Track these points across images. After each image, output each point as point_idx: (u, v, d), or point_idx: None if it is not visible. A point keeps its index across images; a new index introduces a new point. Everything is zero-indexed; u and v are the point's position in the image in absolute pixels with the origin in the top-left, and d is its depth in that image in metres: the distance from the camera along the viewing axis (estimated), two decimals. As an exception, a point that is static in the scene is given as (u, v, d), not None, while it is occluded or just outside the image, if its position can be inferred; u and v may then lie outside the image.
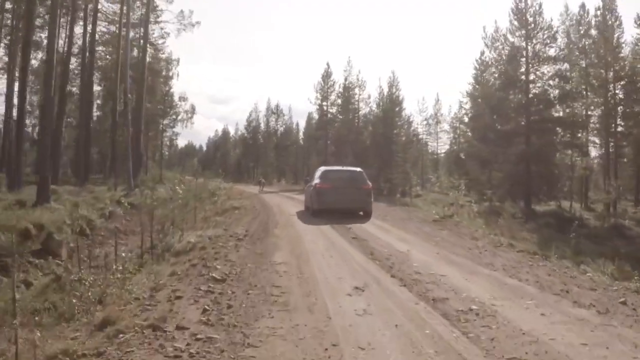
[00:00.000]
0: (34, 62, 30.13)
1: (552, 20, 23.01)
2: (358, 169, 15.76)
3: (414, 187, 26.46)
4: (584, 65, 27.80)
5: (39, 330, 4.97)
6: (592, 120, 27.63)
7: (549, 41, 22.56)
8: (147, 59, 36.24)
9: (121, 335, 4.28)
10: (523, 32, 22.64)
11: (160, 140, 48.57)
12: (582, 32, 29.09)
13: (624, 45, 26.23)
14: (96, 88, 43.40)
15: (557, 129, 23.95)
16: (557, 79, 22.77)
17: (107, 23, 34.39)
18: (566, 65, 24.29)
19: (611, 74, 25.90)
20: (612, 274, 8.36)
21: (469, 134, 33.13)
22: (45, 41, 29.39)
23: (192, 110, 48.80)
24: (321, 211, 14.04)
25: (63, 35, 28.98)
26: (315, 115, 47.81)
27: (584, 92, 26.70)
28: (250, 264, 7.18)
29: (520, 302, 5.48)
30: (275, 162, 60.89)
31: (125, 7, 29.32)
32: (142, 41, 33.78)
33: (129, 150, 23.62)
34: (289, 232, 10.80)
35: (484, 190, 22.71)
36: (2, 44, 29.15)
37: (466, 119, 37.91)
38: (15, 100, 23.52)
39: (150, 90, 39.24)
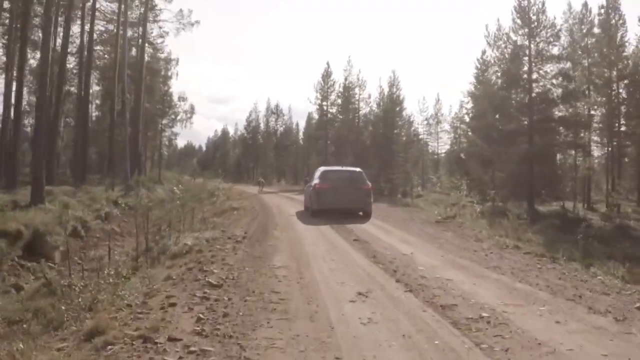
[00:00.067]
0: (33, 62, 29.89)
1: (555, 18, 22.80)
2: (357, 169, 15.67)
3: (415, 187, 26.19)
4: (586, 64, 27.53)
5: (25, 339, 4.70)
6: (595, 120, 27.32)
7: (552, 40, 22.29)
8: (146, 59, 35.99)
9: (109, 346, 3.99)
10: (526, 30, 22.35)
11: (159, 140, 48.24)
12: (584, 31, 28.85)
13: (627, 44, 26.02)
14: (95, 88, 43.22)
15: (560, 128, 23.67)
16: (560, 78, 22.48)
17: (105, 22, 34.17)
18: (569, 64, 24.03)
19: (615, 72, 25.61)
20: (623, 276, 8.12)
21: (470, 133, 32.86)
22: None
23: (192, 110, 48.55)
24: (321, 211, 13.92)
25: (62, 34, 28.64)
26: (315, 115, 47.58)
27: (587, 92, 26.43)
28: (249, 267, 6.89)
29: (532, 309, 5.21)
30: (275, 163, 60.62)
31: (123, 6, 29.09)
32: (140, 40, 33.53)
33: (127, 150, 23.34)
34: (289, 234, 10.52)
35: (486, 190, 22.39)
36: (0, 44, 28.86)
37: (467, 119, 37.66)
38: (13, 100, 23.23)
39: (149, 89, 38.98)
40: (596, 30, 27.77)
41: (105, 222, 14.31)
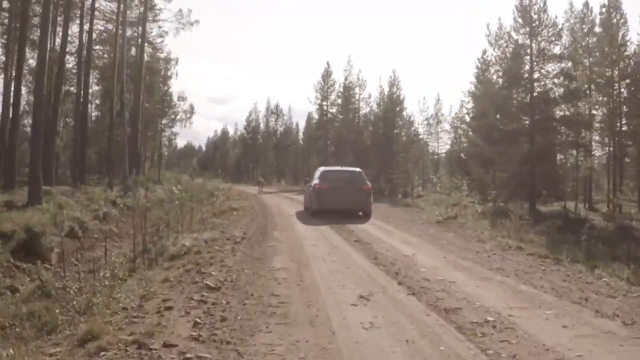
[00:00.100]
0: (32, 62, 29.70)
1: (556, 17, 22.66)
2: (357, 169, 15.65)
3: (415, 187, 26.05)
4: (587, 63, 27.40)
5: (17, 344, 4.56)
6: (596, 120, 27.16)
7: (553, 39, 22.14)
8: (146, 58, 35.83)
9: (103, 353, 3.86)
10: (527, 29, 22.18)
11: (158, 140, 48.13)
12: (585, 30, 28.73)
13: (629, 43, 25.87)
14: (95, 88, 43.10)
15: (562, 128, 23.53)
16: (561, 78, 22.34)
17: (104, 22, 34.00)
18: (570, 64, 23.90)
19: (616, 72, 25.46)
20: (629, 278, 7.98)
21: (471, 133, 32.72)
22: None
23: (191, 110, 48.50)
24: (320, 211, 13.90)
25: (61, 33, 28.48)
26: (315, 115, 47.43)
27: (588, 91, 26.29)
28: (247, 269, 6.76)
29: (538, 312, 5.08)
30: (275, 163, 60.49)
31: (122, 6, 28.94)
32: (139, 40, 33.38)
33: (126, 150, 23.20)
34: (289, 235, 10.38)
35: (487, 190, 22.26)
36: (0, 43, 28.71)
37: (468, 119, 37.52)
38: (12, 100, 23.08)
39: (149, 89, 38.86)
40: (597, 29, 27.62)
41: (103, 223, 14.16)
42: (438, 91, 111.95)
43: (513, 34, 23.07)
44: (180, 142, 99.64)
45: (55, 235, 9.81)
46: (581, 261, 9.22)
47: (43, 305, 6.50)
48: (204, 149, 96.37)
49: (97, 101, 43.62)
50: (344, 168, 16.87)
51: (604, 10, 26.72)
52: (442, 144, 48.81)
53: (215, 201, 17.63)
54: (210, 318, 4.56)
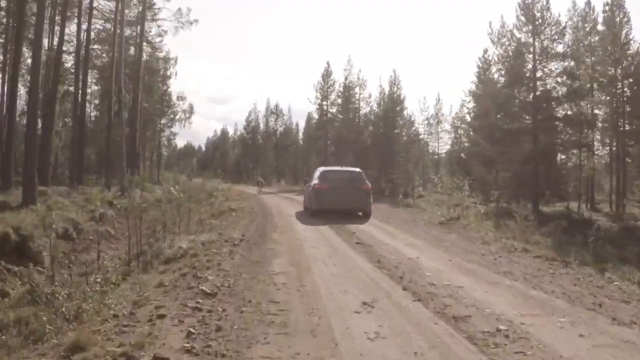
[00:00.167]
0: (30, 61, 29.43)
1: (560, 15, 22.44)
2: (357, 169, 15.60)
3: (416, 187, 25.78)
4: (589, 62, 27.14)
5: (0, 354, 4.29)
6: (599, 119, 26.90)
7: (557, 37, 21.91)
8: (144, 58, 35.60)
9: (88, 366, 3.59)
10: (530, 27, 21.95)
11: (158, 140, 47.87)
12: (587, 29, 28.51)
13: (632, 42, 25.59)
14: (94, 88, 42.84)
15: (565, 127, 23.26)
16: (565, 77, 22.08)
17: (103, 21, 33.73)
18: (573, 63, 23.67)
19: (619, 71, 25.18)
20: (640, 282, 7.73)
21: (472, 133, 32.47)
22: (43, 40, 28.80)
23: (191, 109, 48.26)
24: (320, 212, 13.79)
25: (58, 32, 28.22)
26: (315, 115, 47.21)
27: (591, 90, 26.03)
28: (245, 274, 6.48)
29: (552, 320, 4.81)
30: (275, 163, 60.24)
31: (120, 5, 28.68)
32: (138, 39, 33.13)
33: (123, 150, 22.92)
34: (288, 237, 10.11)
35: (489, 190, 21.96)
36: (-1, 42, 28.45)
37: (468, 118, 37.27)
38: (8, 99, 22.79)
39: (148, 89, 38.64)
40: (600, 27, 27.39)
41: (99, 224, 13.88)
42: (438, 91, 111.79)
43: (516, 32, 22.86)
44: (180, 142, 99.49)
45: (48, 238, 9.54)
46: (590, 264, 8.98)
47: (32, 311, 6.22)
48: (203, 149, 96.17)
49: (97, 101, 43.38)
50: (344, 168, 16.80)
51: (607, 8, 26.48)
52: (442, 144, 48.66)
53: (214, 202, 17.38)
54: (204, 327, 4.28)
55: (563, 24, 22.68)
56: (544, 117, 21.85)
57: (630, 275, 8.12)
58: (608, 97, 26.32)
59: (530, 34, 22.23)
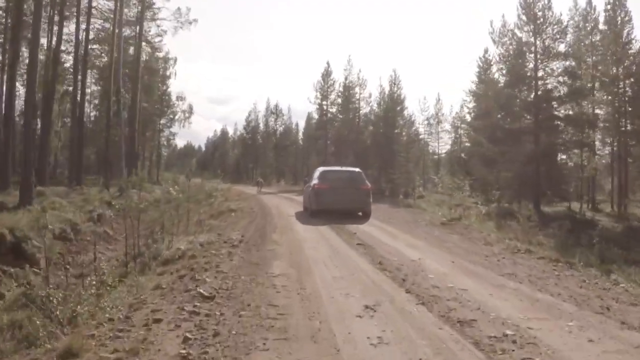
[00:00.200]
0: (28, 61, 29.25)
1: (561, 14, 22.28)
2: (357, 169, 15.56)
3: (417, 187, 25.64)
4: (590, 62, 27.02)
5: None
6: (600, 119, 26.75)
7: (558, 36, 21.76)
8: (144, 58, 35.47)
9: (80, 373, 3.45)
10: (531, 26, 21.81)
11: (157, 140, 47.72)
12: (589, 28, 28.39)
13: (634, 41, 25.46)
14: (94, 88, 42.70)
15: (567, 127, 23.11)
16: (566, 76, 21.93)
17: (102, 20, 33.61)
18: (573, 62, 23.53)
19: (621, 70, 25.04)
20: (647, 284, 7.59)
21: (473, 133, 32.34)
22: (41, 40, 28.66)
23: (190, 109, 48.12)
24: (320, 212, 13.73)
25: (56, 31, 28.08)
26: (315, 115, 47.06)
27: (592, 90, 25.90)
28: (244, 276, 6.34)
29: (560, 324, 4.67)
30: (275, 163, 60.09)
31: (118, 4, 28.55)
32: (137, 39, 33.00)
33: (122, 150, 22.77)
34: (288, 238, 9.96)
35: (490, 191, 21.81)
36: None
37: (469, 118, 37.16)
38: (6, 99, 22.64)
39: (148, 89, 38.51)
40: (602, 27, 27.25)
41: (97, 225, 13.74)
42: (438, 91, 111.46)
43: (517, 31, 22.71)
44: (180, 143, 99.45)
45: (44, 238, 9.38)
46: (595, 265, 8.84)
47: (26, 314, 6.09)
48: (203, 149, 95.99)
49: (96, 101, 43.27)
50: (344, 168, 16.77)
51: (608, 7, 26.32)
52: (442, 144, 48.54)
53: (213, 202, 17.24)
54: (201, 332, 4.14)
55: (565, 23, 22.52)
56: (545, 116, 21.70)
57: (636, 277, 7.94)
58: (609, 97, 26.18)
59: (531, 33, 22.08)
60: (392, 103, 35.60)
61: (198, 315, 4.62)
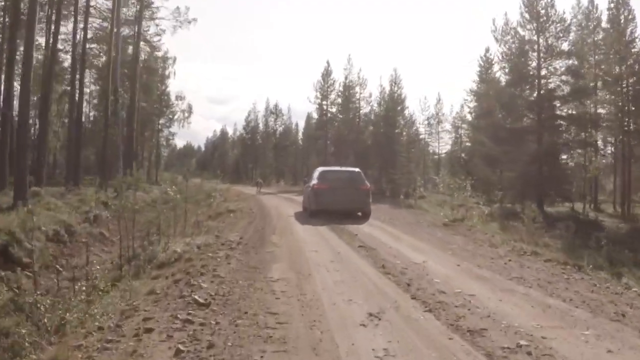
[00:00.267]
0: (22, 60, 28.96)
1: (564, 12, 22.02)
2: (356, 170, 15.47)
3: (418, 188, 25.37)
4: (593, 61, 26.78)
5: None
6: (603, 118, 26.49)
7: (561, 35, 21.50)
8: (143, 57, 35.22)
9: (63, 390, 3.19)
10: (534, 24, 21.55)
11: (156, 140, 47.44)
12: (591, 27, 28.18)
13: (637, 40, 25.20)
14: (93, 88, 42.38)
15: (570, 126, 22.84)
16: (569, 75, 21.67)
17: (101, 19, 33.33)
18: (576, 61, 23.28)
19: (624, 69, 24.78)
20: (660, 288, 7.34)
21: (474, 133, 32.08)
22: (39, 39, 28.40)
23: (189, 109, 47.79)
24: (319, 212, 13.62)
25: (53, 30, 27.77)
26: (315, 115, 46.76)
27: (595, 89, 25.66)
28: (242, 280, 6.07)
29: (575, 333, 4.42)
30: (274, 163, 59.82)
31: (116, 3, 28.29)
32: (135, 38, 32.76)
33: (120, 150, 22.50)
34: (288, 240, 9.69)
35: (492, 191, 21.55)
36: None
37: (470, 118, 36.90)
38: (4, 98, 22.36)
39: (147, 89, 38.25)
40: (605, 25, 27.01)
41: (93, 226, 13.48)
42: (439, 91, 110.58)
43: (520, 29, 22.43)
44: (180, 143, 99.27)
45: (38, 241, 9.14)
46: (604, 268, 8.59)
47: (14, 320, 5.82)
48: (203, 149, 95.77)
49: (95, 101, 42.94)
50: (343, 168, 16.71)
51: (612, 5, 26.08)
52: (442, 144, 48.29)
53: (212, 202, 16.99)
54: (195, 344, 3.87)
55: (568, 21, 22.26)
56: (548, 116, 21.43)
57: (647, 281, 7.71)
58: (612, 96, 25.93)
59: (534, 31, 21.81)
60: (393, 103, 35.33)
61: (192, 324, 4.36)
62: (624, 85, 24.88)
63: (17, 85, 20.65)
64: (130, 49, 35.50)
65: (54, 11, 28.41)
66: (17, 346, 4.93)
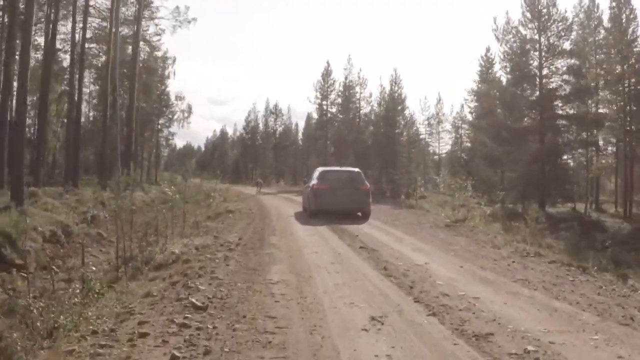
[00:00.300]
0: (18, 59, 28.81)
1: (566, 12, 21.89)
2: (356, 170, 15.44)
3: (418, 188, 25.23)
4: (594, 60, 26.65)
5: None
6: (605, 118, 26.34)
7: (563, 34, 21.37)
8: (142, 57, 35.07)
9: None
10: (536, 24, 21.42)
11: (155, 140, 47.29)
12: (593, 26, 28.05)
13: (639, 39, 25.00)
14: (92, 88, 42.22)
15: (572, 126, 22.70)
16: (571, 75, 21.53)
17: (100, 19, 33.19)
18: (576, 61, 23.15)
19: (626, 68, 24.64)
20: (666, 290, 7.20)
21: (474, 133, 31.93)
22: (38, 39, 28.29)
23: (189, 109, 47.63)
24: (319, 212, 13.58)
25: (51, 29, 27.63)
26: (315, 115, 46.68)
27: (596, 88, 25.52)
28: (241, 283, 5.93)
29: (584, 338, 4.28)
30: (274, 163, 59.73)
31: (115, 3, 28.16)
32: (134, 38, 32.62)
33: (118, 150, 22.35)
34: (288, 241, 9.56)
35: (494, 191, 21.42)
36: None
37: (470, 118, 36.76)
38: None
39: (146, 89, 38.09)
40: (607, 24, 26.88)
41: (91, 226, 13.34)
42: (439, 91, 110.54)
43: (521, 28, 22.31)
44: (179, 143, 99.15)
45: (34, 242, 9.01)
46: (609, 269, 8.46)
47: (7, 323, 5.67)
48: (203, 149, 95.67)
49: (95, 101, 42.79)
50: (343, 168, 16.67)
51: (613, 4, 25.94)
52: (443, 144, 48.16)
53: (211, 203, 16.87)
54: (191, 350, 3.73)
55: (569, 20, 22.13)
56: (549, 115, 21.29)
57: (653, 282, 7.57)
58: (614, 96, 25.79)
59: (536, 31, 21.68)
60: (393, 103, 35.20)
61: (189, 329, 4.22)
62: (626, 85, 24.75)
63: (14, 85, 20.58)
64: (129, 49, 35.36)
65: (52, 11, 28.29)
66: (9, 350, 4.78)
